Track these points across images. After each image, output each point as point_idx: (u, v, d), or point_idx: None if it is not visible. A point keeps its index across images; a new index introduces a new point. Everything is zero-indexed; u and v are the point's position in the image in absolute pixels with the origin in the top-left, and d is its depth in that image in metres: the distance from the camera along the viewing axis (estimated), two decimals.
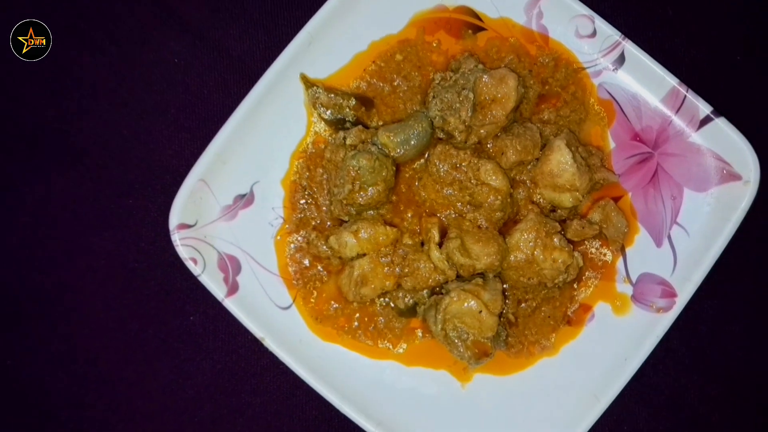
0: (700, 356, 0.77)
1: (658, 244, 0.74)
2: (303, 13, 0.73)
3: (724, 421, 0.78)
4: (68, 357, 0.78)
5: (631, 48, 0.73)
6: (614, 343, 0.73)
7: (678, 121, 0.74)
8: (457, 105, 0.70)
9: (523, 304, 0.73)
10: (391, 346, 0.73)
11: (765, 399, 0.78)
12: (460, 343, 0.67)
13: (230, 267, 0.72)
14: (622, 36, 0.73)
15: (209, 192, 0.72)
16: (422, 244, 0.71)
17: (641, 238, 0.75)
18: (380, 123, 0.74)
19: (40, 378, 0.77)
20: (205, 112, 0.79)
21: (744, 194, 0.71)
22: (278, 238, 0.74)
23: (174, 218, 0.70)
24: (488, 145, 0.72)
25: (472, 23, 0.76)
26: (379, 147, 0.71)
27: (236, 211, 0.74)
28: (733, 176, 0.72)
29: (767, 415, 0.78)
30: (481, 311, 0.66)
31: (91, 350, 0.78)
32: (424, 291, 0.71)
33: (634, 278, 0.74)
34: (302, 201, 0.74)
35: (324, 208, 0.74)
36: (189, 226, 0.71)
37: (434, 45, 0.75)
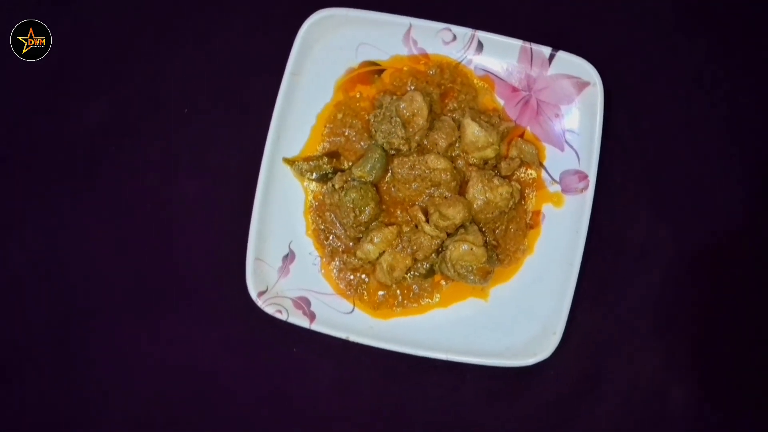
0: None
1: (561, 149, 1.01)
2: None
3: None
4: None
5: (482, 35, 1.00)
6: (565, 224, 0.99)
7: (536, 66, 1.02)
8: (393, 129, 0.98)
9: (497, 231, 1.02)
10: (429, 300, 1.00)
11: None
12: (469, 274, 0.96)
13: (303, 304, 1.00)
14: (473, 30, 1.02)
15: (264, 264, 1.00)
16: (416, 226, 0.99)
17: (549, 151, 1.01)
18: (350, 164, 1.02)
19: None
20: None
21: (596, 92, 1.00)
22: (322, 270, 1.01)
23: (252, 291, 0.98)
24: (425, 143, 1.02)
25: (375, 70, 1.05)
26: (358, 180, 1.00)
27: (287, 268, 1.01)
28: (584, 83, 1.00)
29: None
30: (471, 248, 0.95)
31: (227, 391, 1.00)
32: (432, 255, 1.00)
33: (557, 178, 1.03)
34: (326, 240, 1.03)
35: (342, 236, 1.02)
36: (264, 292, 0.99)
37: (358, 96, 1.04)
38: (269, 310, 0.97)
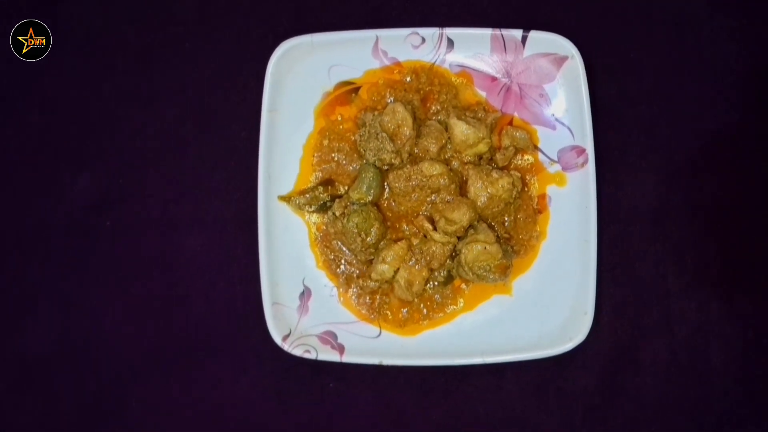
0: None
1: (553, 128, 1.00)
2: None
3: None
4: None
5: (450, 31, 0.99)
6: (573, 202, 0.97)
7: (510, 51, 1.00)
8: (381, 145, 0.97)
9: (506, 223, 1.00)
10: (454, 306, 0.99)
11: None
12: (488, 274, 0.94)
13: (330, 338, 0.99)
14: (439, 28, 1.01)
15: (283, 306, 0.99)
16: (425, 236, 0.98)
17: (541, 132, 1.00)
18: (346, 188, 1.01)
19: None
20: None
21: (576, 64, 0.98)
22: (341, 300, 1.00)
23: (276, 337, 0.96)
24: (415, 152, 1.01)
25: (351, 89, 1.03)
26: (357, 203, 0.99)
27: (306, 305, 1.00)
28: (562, 59, 0.99)
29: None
30: (485, 247, 0.93)
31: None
32: (447, 261, 0.99)
33: (556, 158, 1.02)
34: (338, 269, 1.01)
35: (353, 262, 1.01)
36: (288, 335, 0.98)
37: (339, 119, 1.02)
38: (297, 352, 0.96)
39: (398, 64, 1.01)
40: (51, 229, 1.03)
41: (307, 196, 1.00)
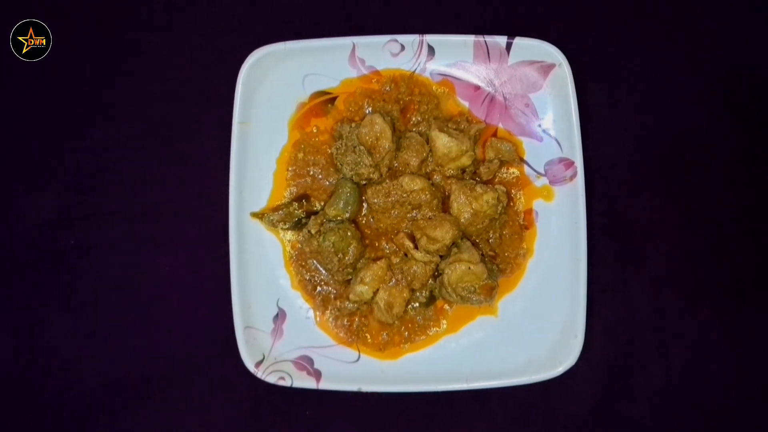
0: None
1: (539, 140, 0.96)
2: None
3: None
4: None
5: (430, 38, 0.95)
6: (561, 217, 0.93)
7: (494, 59, 0.96)
8: (359, 159, 0.92)
9: (491, 240, 0.96)
10: (437, 329, 0.94)
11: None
12: (473, 296, 0.90)
13: (306, 364, 0.93)
14: (420, 35, 0.96)
15: (256, 330, 0.93)
16: (405, 255, 0.93)
17: (527, 144, 0.96)
18: (322, 204, 0.96)
19: None
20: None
21: (564, 72, 0.94)
22: (318, 322, 0.95)
23: (249, 363, 0.91)
24: (395, 165, 0.95)
25: (327, 99, 0.98)
26: (333, 220, 0.93)
27: (281, 329, 0.95)
28: (549, 66, 0.95)
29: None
30: (469, 267, 0.89)
31: None
32: (429, 281, 0.94)
33: (543, 171, 0.97)
34: (314, 290, 0.96)
35: (330, 282, 0.95)
36: (261, 361, 0.92)
37: (315, 131, 0.97)
38: (271, 379, 0.90)
39: (376, 72, 0.97)
40: (6, 250, 0.97)
41: (281, 212, 0.94)
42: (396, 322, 0.93)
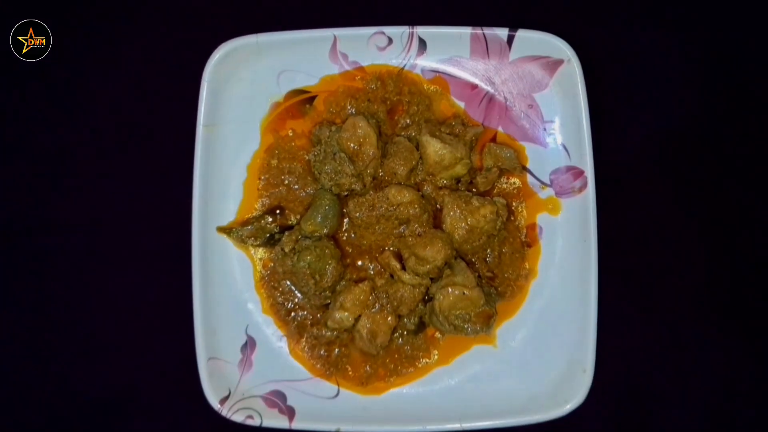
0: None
1: (545, 146, 0.87)
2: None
3: None
4: None
5: (422, 30, 0.85)
6: (568, 234, 0.85)
7: (493, 54, 0.87)
8: (339, 167, 0.82)
9: (489, 259, 0.86)
10: (427, 360, 0.85)
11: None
12: (468, 325, 0.79)
13: (277, 400, 0.83)
14: (410, 27, 0.86)
15: (221, 361, 0.83)
16: (391, 276, 0.83)
17: (531, 151, 0.87)
18: (298, 217, 0.86)
19: None
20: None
21: (574, 69, 0.85)
22: (292, 352, 0.85)
23: (212, 399, 0.81)
24: (380, 174, 0.85)
25: (304, 98, 0.88)
26: (310, 236, 0.83)
27: (249, 360, 0.84)
28: (556, 63, 0.86)
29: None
30: (464, 292, 0.79)
31: None
32: (419, 305, 0.83)
33: (548, 181, 0.88)
34: (288, 315, 0.85)
35: (306, 305, 0.85)
36: (227, 397, 0.82)
37: (290, 134, 0.87)
38: (237, 418, 0.81)
39: (360, 69, 0.87)
40: None
41: (252, 226, 0.84)
42: (380, 352, 0.84)
